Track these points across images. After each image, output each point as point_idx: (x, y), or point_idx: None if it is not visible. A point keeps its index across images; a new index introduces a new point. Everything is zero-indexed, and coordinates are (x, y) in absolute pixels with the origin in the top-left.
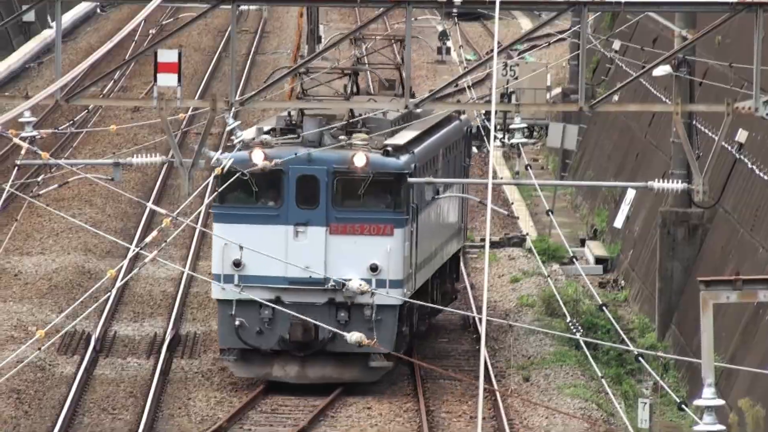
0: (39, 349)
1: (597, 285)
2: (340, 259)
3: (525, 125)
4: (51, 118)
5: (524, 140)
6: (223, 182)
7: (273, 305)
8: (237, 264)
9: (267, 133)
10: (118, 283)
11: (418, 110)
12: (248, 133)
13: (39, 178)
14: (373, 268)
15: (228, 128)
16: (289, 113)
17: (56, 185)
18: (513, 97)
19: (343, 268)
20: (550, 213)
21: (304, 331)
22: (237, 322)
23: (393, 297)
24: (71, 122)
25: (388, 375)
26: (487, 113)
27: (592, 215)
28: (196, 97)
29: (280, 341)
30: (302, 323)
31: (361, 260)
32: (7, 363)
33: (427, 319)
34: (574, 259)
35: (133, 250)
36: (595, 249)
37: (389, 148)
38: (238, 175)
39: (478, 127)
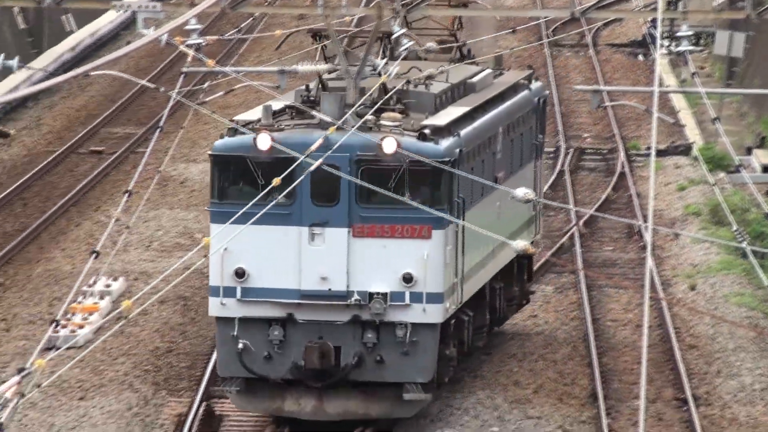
0: (205, 256)
1: (764, 193)
2: (366, 267)
3: (691, 33)
4: (217, 26)
5: (690, 48)
6: (220, 174)
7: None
8: (240, 274)
9: (277, 112)
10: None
11: (474, 80)
12: (254, 113)
13: (205, 85)
14: (407, 279)
15: (394, 36)
16: (307, 87)
17: (222, 92)
18: (680, 5)
19: (370, 279)
20: (716, 121)
21: (321, 356)
22: (240, 346)
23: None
24: (237, 29)
25: (554, 283)
26: (654, 21)
27: (759, 123)
28: (362, 5)
29: (292, 369)
30: (320, 346)
31: (391, 269)
32: (174, 270)
33: (485, 331)
34: (741, 168)
35: (299, 159)
36: (762, 157)
37: (427, 131)
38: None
39: (645, 35)
